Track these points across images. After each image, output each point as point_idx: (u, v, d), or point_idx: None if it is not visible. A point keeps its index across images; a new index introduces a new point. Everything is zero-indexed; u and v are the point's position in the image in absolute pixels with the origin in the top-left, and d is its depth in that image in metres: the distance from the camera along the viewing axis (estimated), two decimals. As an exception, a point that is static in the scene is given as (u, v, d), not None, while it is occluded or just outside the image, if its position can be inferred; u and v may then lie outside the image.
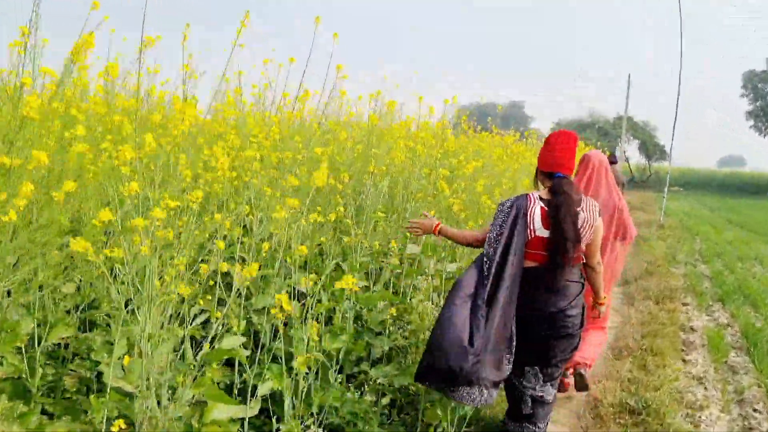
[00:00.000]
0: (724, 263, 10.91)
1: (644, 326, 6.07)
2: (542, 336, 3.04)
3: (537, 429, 3.19)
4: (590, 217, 2.99)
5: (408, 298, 4.28)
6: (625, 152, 35.26)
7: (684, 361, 5.30)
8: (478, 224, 4.53)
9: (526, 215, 2.97)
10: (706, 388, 4.65)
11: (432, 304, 4.17)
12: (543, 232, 2.95)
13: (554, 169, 3.06)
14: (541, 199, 3.02)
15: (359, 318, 3.89)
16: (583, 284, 3.13)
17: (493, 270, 2.94)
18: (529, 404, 3.14)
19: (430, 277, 4.45)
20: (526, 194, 3.07)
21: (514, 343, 2.99)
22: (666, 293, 7.50)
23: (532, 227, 2.96)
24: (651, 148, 42.91)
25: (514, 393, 3.20)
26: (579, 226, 2.94)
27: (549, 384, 3.16)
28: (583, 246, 3.00)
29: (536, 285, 3.00)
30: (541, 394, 3.14)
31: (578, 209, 2.96)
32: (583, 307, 3.12)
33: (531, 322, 3.02)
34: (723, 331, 6.29)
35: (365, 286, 3.99)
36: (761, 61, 44.35)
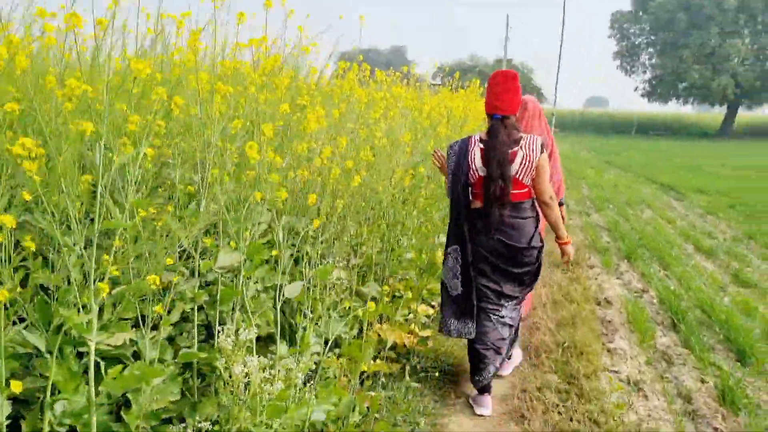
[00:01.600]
0: (617, 210, 10.32)
1: (557, 307, 4.99)
2: (501, 268, 3.25)
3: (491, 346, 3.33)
4: (531, 153, 3.09)
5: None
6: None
7: (609, 352, 4.26)
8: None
9: (467, 156, 3.18)
10: (647, 397, 3.60)
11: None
12: (483, 172, 3.14)
13: (491, 110, 3.16)
14: (481, 140, 3.18)
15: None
16: (536, 219, 3.27)
17: (454, 212, 3.32)
18: (492, 326, 3.33)
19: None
20: (470, 136, 3.25)
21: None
22: (571, 256, 6.54)
23: (474, 167, 3.17)
24: (530, 91, 43.34)
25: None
26: (519, 164, 3.08)
27: (511, 306, 3.36)
28: (526, 181, 3.13)
29: (486, 223, 3.17)
30: (503, 315, 3.34)
31: (516, 148, 3.09)
32: (540, 244, 3.29)
33: (491, 256, 3.23)
34: (641, 301, 5.38)
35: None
36: (628, 2, 45.77)
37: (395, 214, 4.13)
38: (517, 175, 3.08)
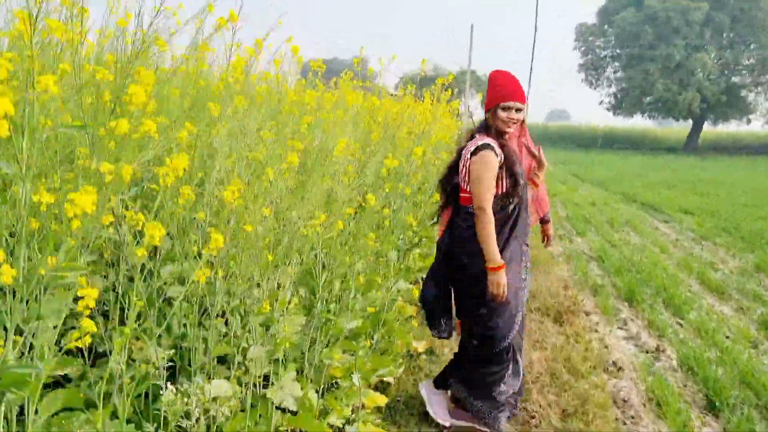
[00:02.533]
0: (600, 234, 9.16)
1: (557, 382, 3.69)
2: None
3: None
4: (463, 157, 2.91)
5: None
6: (468, 107, 34.25)
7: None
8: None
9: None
10: None
11: None
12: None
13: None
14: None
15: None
16: (468, 228, 2.87)
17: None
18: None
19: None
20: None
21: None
22: (562, 300, 5.28)
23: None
24: (494, 102, 42.43)
25: None
26: (458, 168, 2.94)
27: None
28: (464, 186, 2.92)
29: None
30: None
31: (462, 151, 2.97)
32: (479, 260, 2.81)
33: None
34: (659, 367, 4.13)
35: None
36: (593, 15, 45.44)
37: (330, 265, 2.77)
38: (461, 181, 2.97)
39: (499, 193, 2.79)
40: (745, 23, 39.43)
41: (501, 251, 2.76)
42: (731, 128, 49.35)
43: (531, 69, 15.86)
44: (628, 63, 42.56)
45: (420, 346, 3.88)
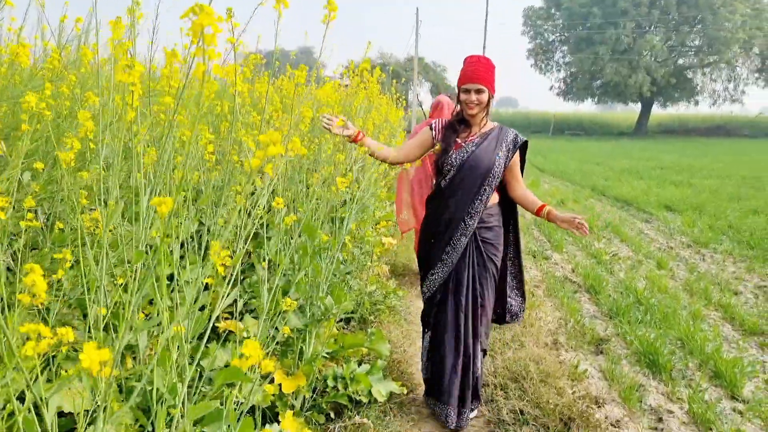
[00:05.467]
0: (579, 243, 7.45)
1: None
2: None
3: None
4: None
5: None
6: (418, 95, 32.52)
7: None
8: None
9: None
10: None
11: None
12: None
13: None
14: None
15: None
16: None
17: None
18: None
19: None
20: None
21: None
22: (569, 401, 3.43)
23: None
24: (443, 91, 40.86)
25: None
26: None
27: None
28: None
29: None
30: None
31: None
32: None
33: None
34: None
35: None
36: (539, -2, 44.23)
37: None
38: None
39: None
40: (690, 4, 38.81)
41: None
42: (679, 111, 49.09)
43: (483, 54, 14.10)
44: (577, 47, 41.55)
45: None
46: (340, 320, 4.10)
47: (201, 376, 2.01)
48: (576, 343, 4.21)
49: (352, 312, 4.36)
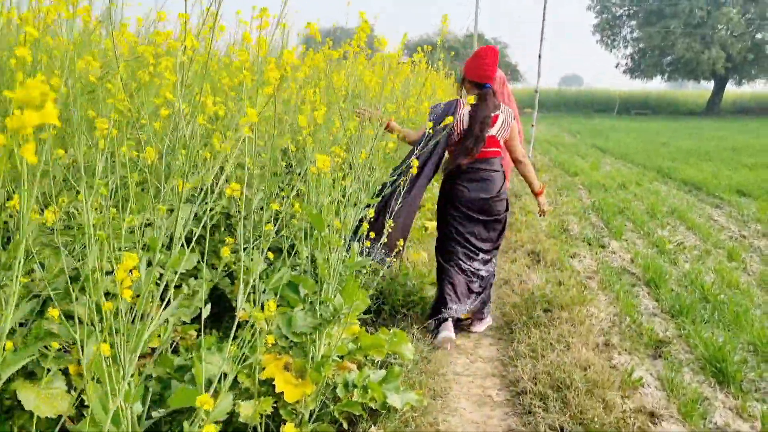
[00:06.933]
0: (640, 230, 6.88)
1: None
2: (477, 219, 3.70)
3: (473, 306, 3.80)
4: (508, 118, 3.68)
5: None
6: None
7: None
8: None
9: (455, 116, 3.59)
10: None
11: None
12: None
13: (483, 80, 3.64)
14: (468, 104, 3.56)
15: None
16: (503, 174, 3.78)
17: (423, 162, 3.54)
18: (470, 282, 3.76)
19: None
20: (456, 100, 3.70)
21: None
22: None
23: (460, 128, 3.62)
24: (503, 68, 39.68)
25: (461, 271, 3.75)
26: (499, 126, 3.63)
27: (484, 262, 3.81)
28: (501, 141, 3.69)
29: (463, 177, 3.67)
30: (479, 269, 3.78)
31: (498, 113, 3.63)
32: (506, 196, 3.81)
33: (469, 209, 3.68)
34: None
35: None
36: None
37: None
38: (497, 135, 3.65)
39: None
40: (772, -27, 36.20)
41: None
42: (756, 88, 46.21)
43: (542, 31, 13.42)
44: (647, 20, 39.50)
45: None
46: (368, 311, 3.78)
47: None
48: (631, 346, 3.76)
49: (383, 303, 4.05)
